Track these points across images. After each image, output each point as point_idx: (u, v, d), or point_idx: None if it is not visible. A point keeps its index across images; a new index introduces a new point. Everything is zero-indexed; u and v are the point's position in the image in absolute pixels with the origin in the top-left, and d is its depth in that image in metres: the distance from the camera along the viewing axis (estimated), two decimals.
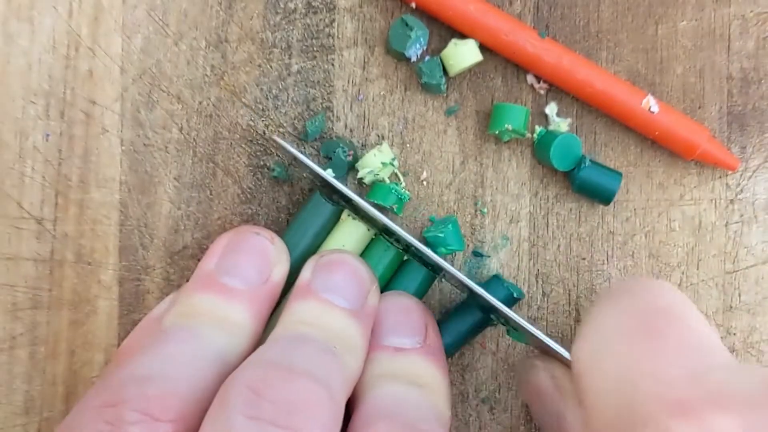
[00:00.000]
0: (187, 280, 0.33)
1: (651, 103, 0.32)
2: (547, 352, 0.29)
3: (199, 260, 0.33)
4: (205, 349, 0.26)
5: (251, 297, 0.28)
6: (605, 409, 0.22)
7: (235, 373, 0.23)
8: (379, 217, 0.30)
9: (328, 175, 0.31)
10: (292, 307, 0.28)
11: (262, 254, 0.29)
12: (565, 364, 0.27)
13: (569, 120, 0.33)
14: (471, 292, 0.30)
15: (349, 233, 0.32)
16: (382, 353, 0.29)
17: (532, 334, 0.28)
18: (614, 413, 0.22)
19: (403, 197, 0.33)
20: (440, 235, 0.31)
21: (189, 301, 0.28)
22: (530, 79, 0.33)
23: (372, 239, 0.32)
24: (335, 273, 0.29)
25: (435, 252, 0.30)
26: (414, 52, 0.32)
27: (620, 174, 0.33)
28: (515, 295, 0.32)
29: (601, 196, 0.33)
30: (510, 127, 0.32)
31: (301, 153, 0.31)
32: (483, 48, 0.33)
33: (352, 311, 0.28)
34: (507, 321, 0.30)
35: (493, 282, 0.32)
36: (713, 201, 0.34)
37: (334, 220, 0.32)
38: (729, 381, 0.21)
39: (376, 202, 0.32)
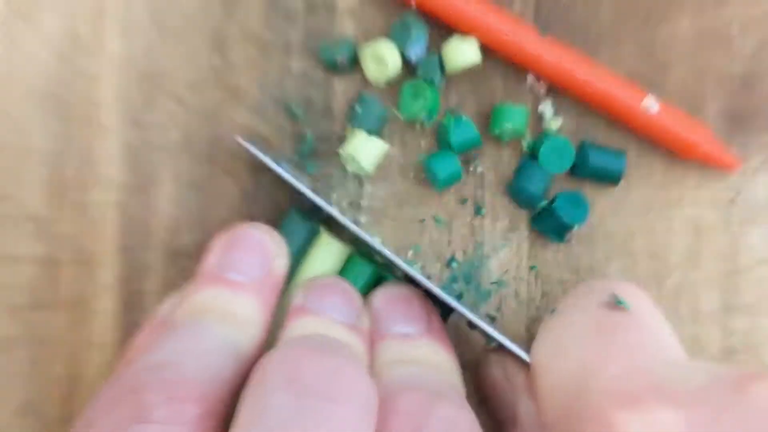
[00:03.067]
0: (187, 280, 0.33)
1: (651, 103, 0.32)
2: (503, 348, 0.29)
3: (199, 260, 0.33)
4: (217, 340, 0.26)
5: (257, 290, 0.29)
6: (556, 405, 0.23)
7: (268, 353, 0.24)
8: (356, 231, 0.30)
9: (305, 188, 0.31)
10: (290, 325, 0.28)
11: (261, 248, 0.30)
12: (520, 360, 0.28)
13: (560, 120, 0.33)
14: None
15: (327, 253, 0.32)
16: (389, 341, 0.29)
17: (488, 332, 0.29)
18: (564, 409, 0.23)
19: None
20: (454, 128, 0.32)
21: (195, 298, 0.28)
22: (530, 79, 0.33)
23: (350, 255, 0.33)
24: (328, 294, 0.29)
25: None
26: (414, 52, 0.32)
27: (623, 152, 0.33)
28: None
29: (610, 177, 0.33)
30: (510, 126, 0.32)
31: (274, 161, 0.31)
32: (483, 48, 0.33)
33: (350, 325, 0.29)
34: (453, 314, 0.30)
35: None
36: (713, 201, 0.34)
37: (312, 237, 0.32)
38: (675, 376, 0.22)
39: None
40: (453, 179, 0.33)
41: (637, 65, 0.33)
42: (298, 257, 0.32)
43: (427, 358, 0.28)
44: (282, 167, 0.31)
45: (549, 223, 0.33)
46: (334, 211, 0.30)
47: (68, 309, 0.33)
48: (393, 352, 0.29)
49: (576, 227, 0.33)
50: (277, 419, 0.21)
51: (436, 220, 0.33)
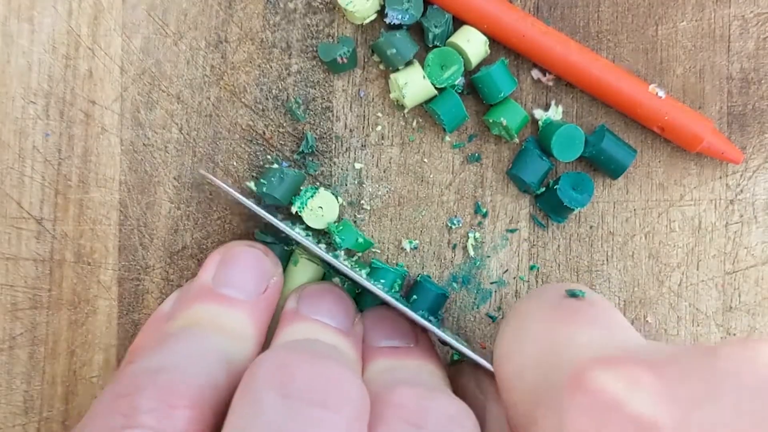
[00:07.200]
0: (187, 281, 0.33)
1: (657, 89, 0.32)
2: (475, 364, 0.30)
3: (198, 260, 0.33)
4: (211, 349, 0.26)
5: (251, 307, 0.29)
6: (524, 385, 0.24)
7: (260, 356, 0.23)
8: (320, 253, 0.30)
9: (272, 216, 0.30)
10: (282, 330, 0.28)
11: (258, 266, 0.30)
12: (490, 372, 0.28)
13: (561, 112, 0.33)
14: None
15: (303, 273, 0.32)
16: (379, 353, 0.29)
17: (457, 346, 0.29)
18: (534, 385, 0.23)
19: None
20: (487, 73, 0.32)
21: (189, 312, 0.28)
22: (536, 74, 0.33)
23: (325, 273, 0.33)
24: (322, 300, 0.29)
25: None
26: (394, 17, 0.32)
27: (635, 150, 0.33)
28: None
29: (613, 167, 0.32)
30: (504, 122, 0.32)
31: (236, 191, 0.31)
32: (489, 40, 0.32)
33: (342, 330, 0.29)
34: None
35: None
36: (713, 201, 0.34)
37: (284, 259, 0.32)
38: (644, 347, 0.23)
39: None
40: (459, 120, 0.32)
41: (637, 66, 0.33)
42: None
43: (415, 367, 0.29)
44: (245, 196, 0.31)
45: (551, 203, 0.33)
46: (305, 241, 0.30)
47: (68, 309, 0.33)
48: (382, 364, 0.29)
49: (576, 210, 0.33)
50: (267, 422, 0.21)
51: (436, 219, 0.33)
